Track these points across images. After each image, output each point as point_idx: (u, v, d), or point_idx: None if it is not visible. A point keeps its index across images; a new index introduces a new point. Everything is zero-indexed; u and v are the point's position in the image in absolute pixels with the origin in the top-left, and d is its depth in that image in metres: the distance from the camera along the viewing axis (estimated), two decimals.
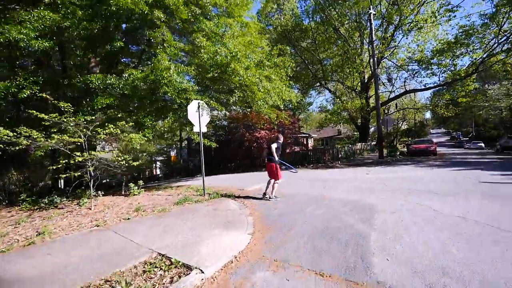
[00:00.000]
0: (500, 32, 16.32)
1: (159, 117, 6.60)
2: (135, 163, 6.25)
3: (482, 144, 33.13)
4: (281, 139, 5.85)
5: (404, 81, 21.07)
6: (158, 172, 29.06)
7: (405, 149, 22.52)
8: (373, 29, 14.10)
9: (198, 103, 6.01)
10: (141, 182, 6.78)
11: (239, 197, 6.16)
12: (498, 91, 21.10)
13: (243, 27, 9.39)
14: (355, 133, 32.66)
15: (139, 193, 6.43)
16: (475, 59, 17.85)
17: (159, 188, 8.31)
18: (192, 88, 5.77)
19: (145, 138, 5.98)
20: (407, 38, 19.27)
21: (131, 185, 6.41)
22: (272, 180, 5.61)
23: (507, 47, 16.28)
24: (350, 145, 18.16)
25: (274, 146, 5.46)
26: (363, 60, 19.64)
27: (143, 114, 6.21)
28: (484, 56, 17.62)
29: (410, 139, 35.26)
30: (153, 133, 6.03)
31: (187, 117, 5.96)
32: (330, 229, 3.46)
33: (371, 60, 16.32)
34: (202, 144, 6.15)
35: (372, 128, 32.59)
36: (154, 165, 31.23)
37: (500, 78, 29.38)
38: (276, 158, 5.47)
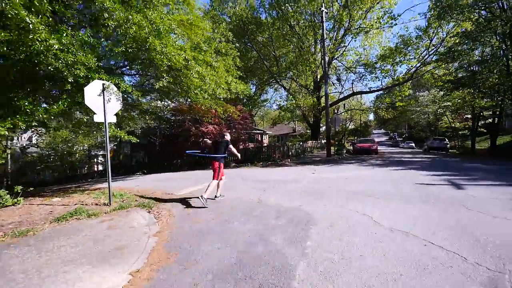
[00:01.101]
0: (431, 45, 18.23)
1: (47, 100, 4.88)
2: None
3: (413, 144, 37.73)
4: (228, 137, 5.49)
5: (352, 83, 22.16)
6: (101, 168, 25.21)
7: (351, 148, 23.92)
8: (324, 28, 14.07)
9: (103, 84, 4.54)
10: (18, 188, 4.93)
11: (163, 201, 4.93)
12: (427, 97, 23.85)
13: (180, 3, 7.97)
14: (308, 131, 33.70)
15: (15, 203, 4.64)
16: (411, 67, 19.63)
17: (64, 193, 6.46)
18: (91, 62, 4.26)
19: (20, 127, 4.26)
20: (355, 41, 20.28)
21: (1, 192, 4.57)
22: (215, 180, 5.05)
23: (435, 58, 18.19)
24: (301, 143, 18.21)
25: (224, 142, 5.27)
26: (316, 60, 19.90)
27: (20, 94, 4.45)
28: (418, 65, 19.52)
29: (356, 138, 38.16)
30: (33, 121, 4.33)
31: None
32: (249, 259, 2.57)
33: (323, 59, 16.46)
34: (107, 138, 4.69)
35: (324, 127, 34.20)
36: (95, 160, 27.01)
37: (428, 87, 33.68)
38: (221, 156, 5.16)
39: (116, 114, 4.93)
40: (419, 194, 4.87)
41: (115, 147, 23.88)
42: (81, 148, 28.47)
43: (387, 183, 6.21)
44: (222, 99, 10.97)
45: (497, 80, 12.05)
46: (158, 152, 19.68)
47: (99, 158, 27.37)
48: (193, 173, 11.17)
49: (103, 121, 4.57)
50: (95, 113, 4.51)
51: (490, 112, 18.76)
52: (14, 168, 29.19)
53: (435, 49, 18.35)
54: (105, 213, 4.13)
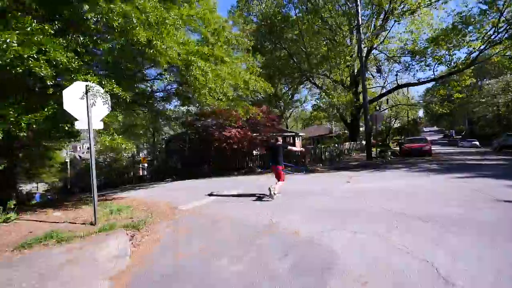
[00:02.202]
0: (500, 21, 14.73)
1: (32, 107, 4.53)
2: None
3: (477, 143, 31.82)
4: (280, 141, 6.16)
5: (396, 75, 19.35)
6: (145, 173, 26.77)
7: (398, 148, 20.88)
8: (359, 10, 12.23)
9: (86, 86, 3.99)
10: (12, 203, 4.63)
11: (163, 216, 4.17)
12: (496, 85, 19.57)
13: None
14: (346, 131, 30.95)
15: (6, 220, 4.34)
16: (473, 49, 16.17)
17: (76, 205, 6.25)
18: (67, 59, 3.71)
19: None
20: (399, 24, 17.47)
21: None
22: (280, 181, 5.79)
23: (506, 36, 14.59)
24: (337, 145, 16.32)
25: (280, 147, 5.95)
26: (352, 51, 17.82)
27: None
28: (483, 47, 16.00)
29: (403, 137, 33.79)
30: (18, 130, 3.96)
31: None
32: None
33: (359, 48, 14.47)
34: (92, 146, 4.11)
35: (364, 126, 30.98)
36: (139, 165, 28.93)
37: (496, 73, 28.06)
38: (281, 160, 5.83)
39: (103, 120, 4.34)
40: (509, 222, 3.19)
41: (149, 154, 24.95)
42: (127, 154, 30.77)
43: (451, 198, 4.49)
44: (247, 99, 10.16)
45: None
46: (187, 158, 19.83)
47: (144, 164, 29.24)
48: (216, 181, 10.50)
49: (86, 127, 4.00)
50: (76, 119, 3.97)
51: None
52: (73, 174, 32.94)
53: (506, 25, 14.79)
54: (81, 237, 3.49)
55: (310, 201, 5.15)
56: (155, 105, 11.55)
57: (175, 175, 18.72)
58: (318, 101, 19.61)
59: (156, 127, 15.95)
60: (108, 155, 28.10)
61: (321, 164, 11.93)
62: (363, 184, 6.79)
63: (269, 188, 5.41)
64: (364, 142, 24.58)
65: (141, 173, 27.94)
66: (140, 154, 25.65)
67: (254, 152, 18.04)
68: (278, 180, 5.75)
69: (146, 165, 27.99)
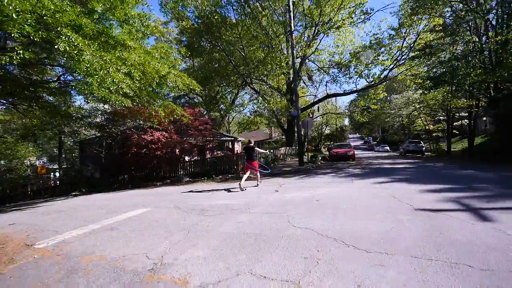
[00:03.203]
0: (403, 46, 17.40)
1: None
2: None
3: (388, 147, 37.67)
4: (252, 143, 7.83)
5: (326, 85, 20.82)
6: (58, 184, 20.96)
7: (328, 153, 22.43)
8: (291, 16, 12.27)
9: None
10: None
11: None
12: (401, 100, 23.25)
13: None
14: (283, 136, 31.97)
15: None
16: (385, 67, 18.66)
17: None
18: None
19: None
20: (328, 38, 18.84)
21: None
22: (255, 172, 7.54)
23: (411, 56, 17.27)
24: (272, 150, 16.12)
25: (254, 148, 7.78)
26: (287, 59, 18.20)
27: None
28: (391, 66, 18.62)
29: (332, 143, 37.24)
30: None
31: None
32: None
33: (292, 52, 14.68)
34: None
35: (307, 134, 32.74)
36: (51, 174, 22.60)
37: (401, 90, 33.87)
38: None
39: None
40: (434, 238, 2.81)
41: (45, 162, 20.06)
42: (24, 162, 24.13)
43: (375, 210, 4.15)
44: (171, 99, 8.62)
45: (477, 77, 10.97)
46: (105, 165, 16.54)
47: (56, 174, 23.06)
48: (127, 195, 8.47)
49: None
50: None
51: (465, 114, 18.16)
52: None
53: (407, 50, 17.53)
54: None
55: (226, 221, 4.11)
56: (45, 97, 8.89)
57: (90, 187, 15.30)
58: (255, 106, 19.25)
59: (58, 129, 12.42)
60: None
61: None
62: (291, 193, 6.20)
63: (257, 181, 7.70)
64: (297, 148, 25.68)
65: (53, 184, 22.20)
66: (37, 162, 20.34)
67: (187, 158, 16.28)
68: (255, 172, 7.53)
69: (57, 175, 22.44)
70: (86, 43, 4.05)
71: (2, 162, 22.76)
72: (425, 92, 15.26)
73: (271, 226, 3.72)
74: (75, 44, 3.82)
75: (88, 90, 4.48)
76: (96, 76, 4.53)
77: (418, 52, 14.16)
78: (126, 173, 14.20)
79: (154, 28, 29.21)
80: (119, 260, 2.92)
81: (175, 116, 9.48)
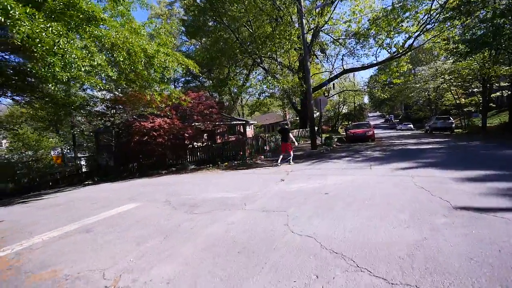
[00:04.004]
0: (432, 8, 15.04)
1: None
2: None
3: (411, 125, 35.04)
4: (288, 125, 9.80)
5: (342, 59, 18.96)
6: (76, 173, 21.96)
7: (344, 134, 21.06)
8: None
9: None
10: None
11: None
12: (428, 71, 20.83)
13: None
14: (297, 118, 30.62)
15: None
16: (410, 34, 16.44)
17: None
18: None
19: None
20: (343, 5, 16.62)
21: None
22: (290, 152, 8.46)
23: (442, 18, 14.93)
24: None
25: (289, 132, 8.64)
26: (299, 34, 16.54)
27: None
28: (417, 33, 16.35)
29: (350, 122, 35.23)
30: None
31: None
32: None
33: (306, 33, 13.15)
34: None
35: (318, 113, 31.05)
36: (78, 162, 23.72)
37: (426, 62, 30.55)
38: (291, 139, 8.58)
39: None
40: (491, 261, 1.93)
41: (61, 151, 20.60)
42: (50, 152, 25.30)
43: (398, 206, 3.26)
44: (165, 80, 8.03)
45: None
46: (116, 154, 16.62)
47: (82, 161, 24.05)
48: (130, 185, 8.17)
49: None
50: None
51: (505, 84, 15.80)
52: None
53: (437, 12, 15.15)
54: None
55: (214, 222, 3.46)
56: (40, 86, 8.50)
57: (103, 175, 15.55)
58: (264, 86, 18.08)
59: (58, 118, 12.31)
60: (24, 153, 22.71)
61: (262, 156, 10.49)
62: (298, 183, 5.42)
63: (289, 160, 8.42)
64: (315, 128, 24.35)
65: (74, 172, 23.20)
66: (52, 153, 21.01)
67: (196, 144, 15.88)
68: (289, 152, 8.43)
69: (83, 163, 23.36)
70: (27, 11, 3.32)
71: (30, 152, 23.94)
72: (460, 60, 13.19)
73: (265, 230, 3.00)
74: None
75: (51, 73, 3.84)
76: (59, 56, 3.84)
77: (452, 12, 12.01)
78: (135, 161, 14.10)
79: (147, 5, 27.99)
80: (69, 279, 2.36)
81: (174, 100, 8.78)
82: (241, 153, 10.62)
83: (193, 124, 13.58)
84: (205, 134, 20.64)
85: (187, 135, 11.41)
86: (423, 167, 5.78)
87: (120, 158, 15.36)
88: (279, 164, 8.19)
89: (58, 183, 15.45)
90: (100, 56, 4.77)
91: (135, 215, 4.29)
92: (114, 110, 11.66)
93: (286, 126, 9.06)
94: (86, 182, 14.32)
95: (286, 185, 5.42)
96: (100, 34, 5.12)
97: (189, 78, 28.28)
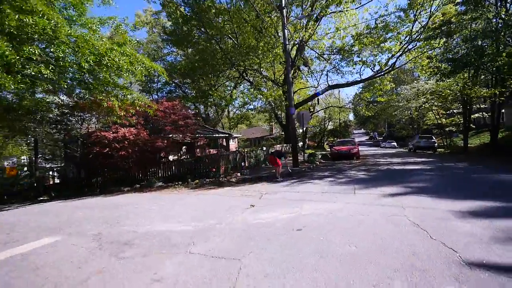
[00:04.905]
0: (413, 30, 15.30)
1: None
2: None
3: (395, 144, 35.47)
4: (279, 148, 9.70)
5: (327, 74, 18.81)
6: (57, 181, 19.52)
7: (329, 150, 20.57)
8: None
9: None
10: None
11: None
12: (410, 90, 21.11)
13: None
14: (283, 133, 30.09)
15: None
16: (392, 53, 16.58)
17: None
18: None
19: None
20: (326, 18, 16.56)
21: None
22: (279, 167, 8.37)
23: (418, 42, 15.16)
24: (265, 148, 14.34)
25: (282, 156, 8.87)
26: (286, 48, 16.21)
27: None
28: (399, 54, 16.53)
29: (336, 139, 35.19)
30: None
31: None
32: None
33: (288, 44, 12.74)
34: None
35: (303, 128, 30.60)
36: (49, 174, 21.27)
37: (408, 82, 31.47)
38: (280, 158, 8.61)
39: None
40: None
41: (15, 162, 18.64)
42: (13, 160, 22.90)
43: (390, 259, 2.36)
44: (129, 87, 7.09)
45: (508, 58, 8.93)
46: (83, 166, 15.02)
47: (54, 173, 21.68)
48: (72, 206, 6.83)
49: None
50: None
51: (483, 105, 15.98)
52: None
53: (418, 34, 15.39)
54: None
55: (136, 275, 2.39)
56: None
57: (65, 189, 13.83)
58: (245, 98, 17.39)
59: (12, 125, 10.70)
60: None
61: (239, 174, 9.49)
62: (269, 211, 4.46)
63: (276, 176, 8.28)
64: (300, 144, 23.75)
65: (51, 182, 20.83)
66: (5, 163, 18.95)
67: (173, 158, 14.67)
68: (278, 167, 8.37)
69: (56, 174, 21.11)
70: None
71: None
72: (443, 79, 13.14)
73: None
74: None
75: None
76: None
77: (432, 32, 12.04)
78: (99, 176, 12.65)
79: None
80: None
81: (138, 108, 7.75)
82: (214, 169, 9.56)
83: (170, 136, 12.48)
84: (183, 147, 19.49)
85: (156, 147, 10.27)
86: (414, 193, 5.01)
87: (88, 171, 13.83)
88: (278, 179, 8.14)
89: (2, 199, 13.48)
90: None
91: (39, 258, 3.13)
92: (74, 118, 10.40)
93: (277, 150, 9.11)
94: (42, 198, 12.61)
95: (255, 213, 4.45)
96: (32, 22, 4.14)
97: (172, 88, 27.29)
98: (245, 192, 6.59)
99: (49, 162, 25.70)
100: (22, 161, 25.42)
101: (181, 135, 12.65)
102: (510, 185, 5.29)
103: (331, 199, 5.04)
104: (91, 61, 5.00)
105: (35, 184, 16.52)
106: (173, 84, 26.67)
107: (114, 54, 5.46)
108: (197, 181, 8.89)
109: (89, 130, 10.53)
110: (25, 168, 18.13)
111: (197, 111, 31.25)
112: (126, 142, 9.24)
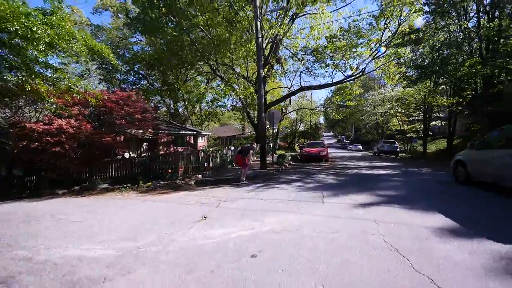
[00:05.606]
0: (382, 38, 15.72)
1: None
2: None
3: (360, 147, 37.09)
4: (254, 145, 8.68)
5: (300, 75, 18.59)
6: None
7: (299, 151, 20.43)
8: None
9: None
10: None
11: None
12: (377, 96, 21.93)
13: None
14: (254, 132, 29.49)
15: None
16: (363, 60, 16.88)
17: None
18: None
19: None
20: (300, 18, 16.21)
21: None
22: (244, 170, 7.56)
23: (396, 43, 15.55)
24: (233, 148, 13.49)
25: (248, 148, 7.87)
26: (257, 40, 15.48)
27: None
28: (369, 60, 16.91)
29: (306, 140, 35.66)
30: None
31: None
32: None
33: (261, 37, 12.04)
34: None
35: (275, 129, 30.26)
36: None
37: (376, 88, 33.07)
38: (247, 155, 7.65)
39: None
40: None
41: None
42: None
43: None
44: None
45: (468, 69, 9.32)
46: (15, 162, 12.66)
47: None
48: None
49: None
50: None
51: (441, 114, 17.02)
52: None
53: (387, 42, 15.84)
54: None
55: None
56: None
57: None
58: (214, 94, 16.39)
59: None
60: None
61: (200, 176, 8.49)
62: (222, 226, 3.63)
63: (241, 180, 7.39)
64: (271, 145, 23.27)
65: None
66: None
67: (126, 155, 13.04)
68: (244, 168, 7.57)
69: None
70: None
71: None
72: (410, 85, 13.57)
73: None
74: None
75: None
76: None
77: (401, 40, 12.31)
78: (35, 174, 10.66)
79: None
80: None
81: (75, 95, 6.36)
82: (170, 171, 8.44)
83: (127, 131, 10.96)
84: (144, 144, 17.74)
85: (106, 143, 8.81)
86: (385, 203, 4.57)
87: (24, 169, 11.62)
88: (243, 181, 7.39)
89: None
90: None
91: None
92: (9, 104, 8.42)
93: (248, 145, 8.18)
94: None
95: (205, 228, 3.59)
96: None
97: (136, 79, 24.97)
98: (201, 199, 5.67)
99: None
100: None
101: (140, 131, 11.23)
102: (484, 195, 5.14)
103: (298, 209, 4.38)
104: None
105: None
106: (137, 74, 24.42)
107: (35, 24, 4.17)
108: (149, 183, 7.70)
109: (14, 120, 8.62)
110: None
111: (165, 106, 29.21)
112: (63, 136, 7.68)
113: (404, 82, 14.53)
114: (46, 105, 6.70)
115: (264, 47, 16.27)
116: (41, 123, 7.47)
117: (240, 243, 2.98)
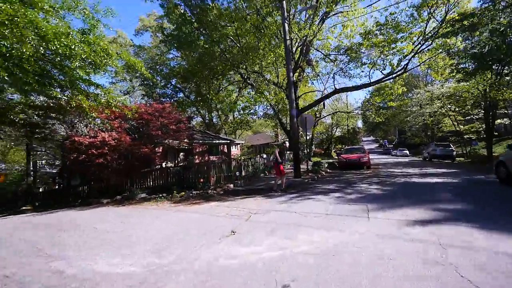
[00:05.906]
0: (427, 30, 14.07)
1: None
2: None
3: (407, 152, 33.55)
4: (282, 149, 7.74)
5: (333, 77, 17.70)
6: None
7: (337, 158, 19.18)
8: None
9: None
10: None
11: None
12: (425, 94, 19.64)
13: None
14: (288, 139, 28.84)
15: None
16: (406, 53, 15.30)
17: None
18: None
19: None
20: (331, 17, 15.45)
21: None
22: (279, 177, 7.23)
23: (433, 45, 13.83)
24: (265, 156, 13.16)
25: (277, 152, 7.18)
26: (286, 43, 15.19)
27: None
28: (410, 56, 15.25)
29: (344, 146, 33.63)
30: None
31: None
32: None
33: (289, 39, 11.73)
34: None
35: (309, 135, 29.14)
36: (40, 180, 20.91)
37: (422, 86, 29.87)
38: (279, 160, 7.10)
39: None
40: None
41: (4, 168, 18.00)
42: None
43: None
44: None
45: None
46: (72, 173, 14.22)
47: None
48: (27, 222, 5.79)
49: None
50: None
51: (509, 110, 14.39)
52: None
53: (432, 34, 14.12)
54: None
55: None
56: None
57: (52, 198, 13.12)
58: (245, 102, 16.42)
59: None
60: None
61: (232, 185, 8.31)
62: (250, 243, 3.28)
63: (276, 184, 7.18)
64: (306, 151, 22.40)
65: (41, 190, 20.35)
66: None
67: (164, 165, 13.66)
68: (279, 176, 7.24)
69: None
70: None
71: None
72: (466, 79, 11.75)
73: None
74: None
75: None
76: None
77: (451, 28, 10.75)
78: (86, 184, 11.77)
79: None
80: None
81: (114, 108, 6.77)
82: (202, 180, 8.42)
83: (165, 142, 11.51)
84: (181, 154, 18.50)
85: (144, 154, 9.27)
86: (450, 220, 3.71)
87: (81, 179, 13.02)
88: (276, 192, 6.96)
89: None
90: None
91: None
92: (52, 120, 9.55)
93: (279, 150, 7.44)
94: (24, 208, 11.82)
95: (233, 245, 3.28)
96: None
97: (173, 92, 26.60)
98: (232, 210, 5.41)
99: (54, 168, 25.31)
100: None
101: (176, 141, 11.66)
102: None
103: (337, 225, 3.80)
104: (33, 45, 4.04)
105: (24, 192, 15.84)
106: (174, 88, 26.07)
107: (71, 40, 4.49)
108: (183, 193, 7.76)
109: (68, 135, 9.64)
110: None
111: (200, 116, 30.51)
112: (106, 148, 8.27)
113: (458, 75, 12.62)
114: (90, 119, 7.25)
115: (293, 51, 15.89)
116: (88, 137, 8.19)
117: (269, 266, 2.58)
